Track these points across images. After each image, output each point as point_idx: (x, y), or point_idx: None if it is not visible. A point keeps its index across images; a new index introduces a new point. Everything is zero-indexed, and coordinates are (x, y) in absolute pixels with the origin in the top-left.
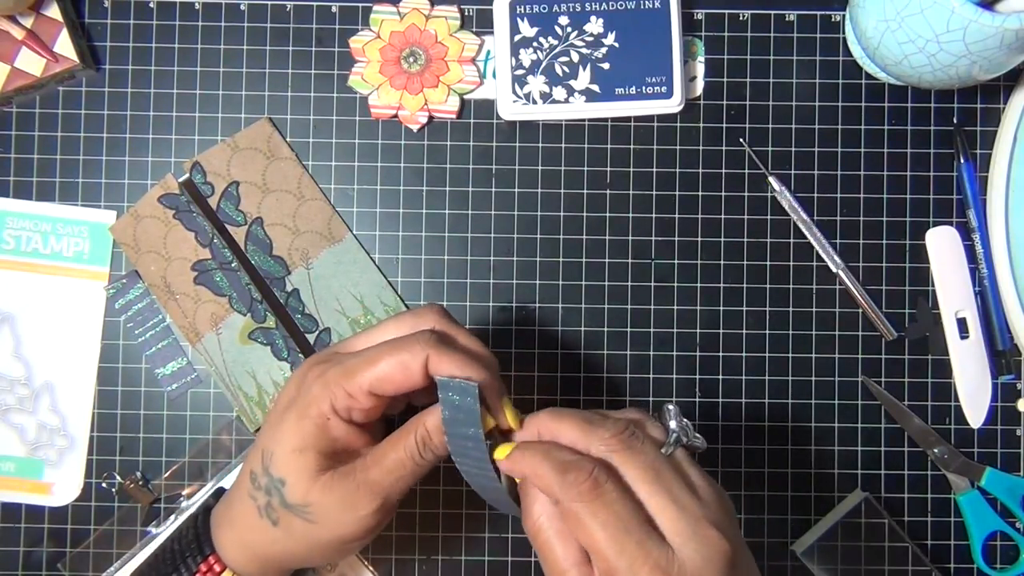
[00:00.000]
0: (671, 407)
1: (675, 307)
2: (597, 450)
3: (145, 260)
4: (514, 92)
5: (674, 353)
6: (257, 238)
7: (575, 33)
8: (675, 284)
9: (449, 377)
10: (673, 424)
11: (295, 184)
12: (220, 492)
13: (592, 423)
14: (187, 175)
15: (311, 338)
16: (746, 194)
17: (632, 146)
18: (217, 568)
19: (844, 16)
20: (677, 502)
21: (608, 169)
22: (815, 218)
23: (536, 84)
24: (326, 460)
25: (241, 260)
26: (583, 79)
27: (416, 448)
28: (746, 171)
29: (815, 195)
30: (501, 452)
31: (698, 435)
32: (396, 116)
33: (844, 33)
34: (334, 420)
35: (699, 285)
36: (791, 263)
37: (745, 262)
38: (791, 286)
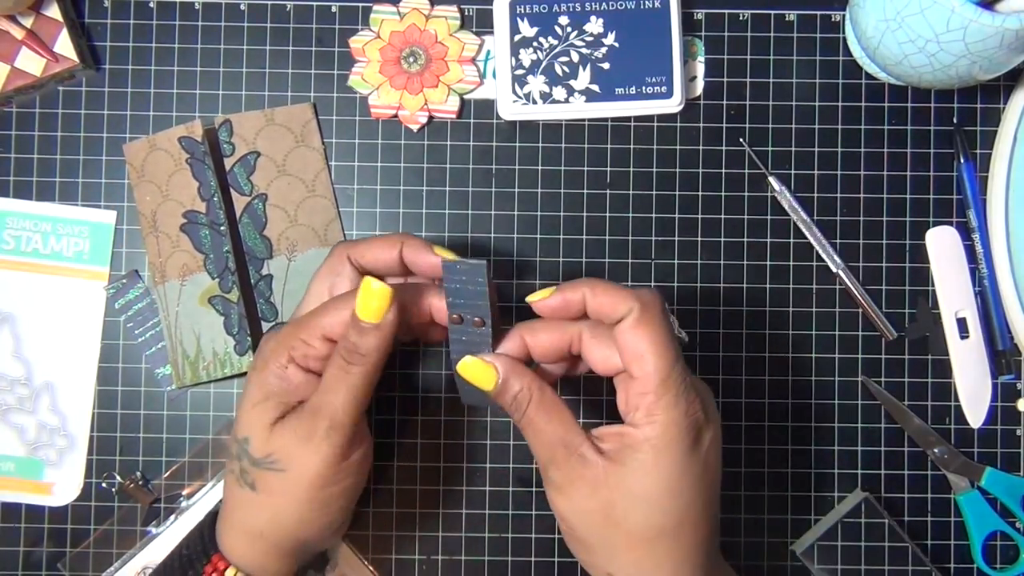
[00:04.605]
0: None
1: (675, 307)
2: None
3: (143, 188)
4: (514, 92)
5: None
6: (255, 213)
7: (575, 33)
8: (675, 284)
9: (454, 260)
10: None
11: (311, 176)
12: None
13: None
14: (213, 126)
15: (265, 326)
16: (746, 194)
17: (632, 146)
18: (221, 566)
19: (844, 16)
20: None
21: (608, 169)
22: (815, 218)
23: (536, 84)
24: (286, 410)
25: (232, 227)
26: (583, 79)
27: (343, 356)
28: (746, 171)
29: (815, 195)
30: (539, 295)
31: (683, 331)
32: (396, 116)
33: (844, 33)
34: (292, 368)
35: (699, 285)
36: (791, 263)
37: (745, 262)
38: (791, 286)
